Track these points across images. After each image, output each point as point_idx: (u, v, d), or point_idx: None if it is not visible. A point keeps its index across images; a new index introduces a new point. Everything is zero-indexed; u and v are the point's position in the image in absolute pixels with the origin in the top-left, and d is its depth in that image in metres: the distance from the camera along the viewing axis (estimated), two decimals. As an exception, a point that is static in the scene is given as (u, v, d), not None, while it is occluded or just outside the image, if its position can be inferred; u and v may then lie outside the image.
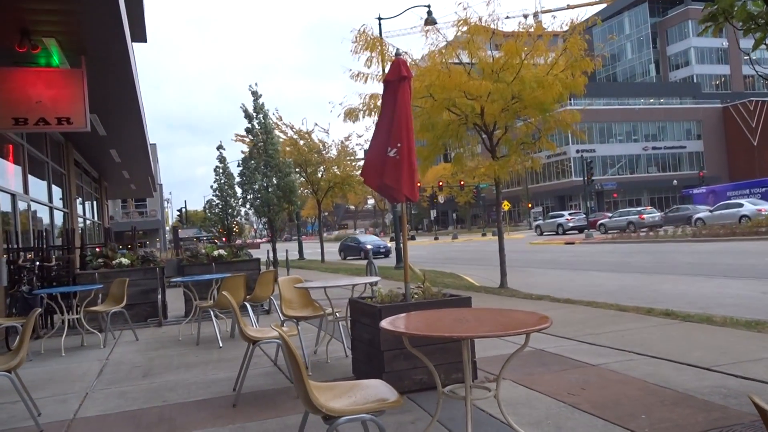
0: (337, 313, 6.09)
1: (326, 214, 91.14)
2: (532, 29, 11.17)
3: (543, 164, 58.07)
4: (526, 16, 12.00)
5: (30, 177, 11.52)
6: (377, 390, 2.94)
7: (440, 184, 50.18)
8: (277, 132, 24.56)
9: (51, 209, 13.47)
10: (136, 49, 11.07)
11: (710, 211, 32.34)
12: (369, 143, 4.72)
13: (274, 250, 20.72)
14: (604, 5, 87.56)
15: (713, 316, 7.18)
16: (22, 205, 10.72)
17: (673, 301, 9.10)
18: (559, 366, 5.27)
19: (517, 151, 11.78)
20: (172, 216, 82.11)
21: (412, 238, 57.01)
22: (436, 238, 54.04)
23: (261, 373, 5.65)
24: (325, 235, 43.44)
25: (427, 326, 3.11)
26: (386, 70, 11.98)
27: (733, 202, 32.67)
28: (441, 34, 11.92)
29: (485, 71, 11.03)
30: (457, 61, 11.50)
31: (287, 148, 26.72)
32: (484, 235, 52.41)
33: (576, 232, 40.29)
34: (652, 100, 72.07)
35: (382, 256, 30.38)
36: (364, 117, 11.99)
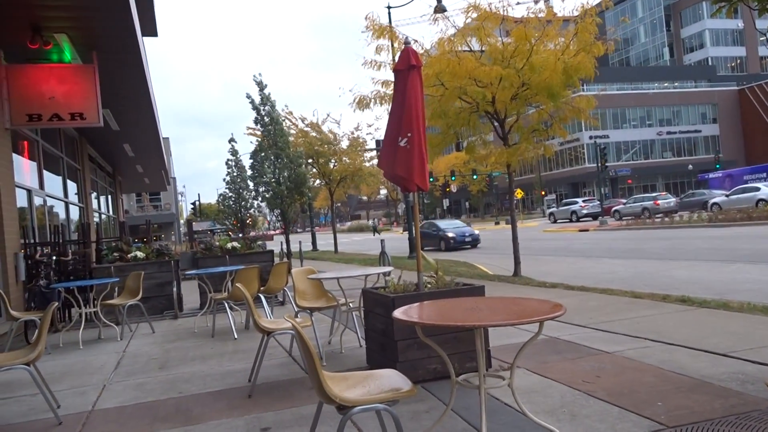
0: (350, 304, 6.11)
1: (339, 204, 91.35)
2: (541, 14, 11.04)
3: (556, 151, 57.66)
4: (536, 1, 11.82)
5: (45, 172, 11.65)
6: (391, 380, 2.95)
7: (452, 172, 50.01)
8: (287, 123, 24.59)
9: (66, 204, 13.62)
10: (146, 43, 11.10)
11: (726, 196, 31.94)
12: (384, 133, 4.71)
13: (288, 242, 20.81)
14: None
15: (730, 301, 7.10)
16: (38, 201, 10.84)
17: (688, 287, 9.02)
18: (573, 354, 5.24)
19: (529, 138, 11.69)
20: (186, 209, 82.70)
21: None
22: (449, 227, 53.85)
23: (276, 363, 5.69)
24: (337, 225, 43.53)
25: (440, 315, 3.10)
26: (395, 58, 11.99)
27: (749, 186, 32.21)
28: (450, 21, 11.85)
29: (495, 58, 10.94)
30: (467, 48, 11.41)
31: (299, 140, 26.75)
32: (497, 223, 52.20)
33: (590, 219, 40.01)
34: (666, 84, 71.07)
35: (468, 246, 24.69)
36: (374, 105, 11.96)
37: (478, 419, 3.67)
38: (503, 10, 11.17)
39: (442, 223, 27.46)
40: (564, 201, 49.27)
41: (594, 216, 39.40)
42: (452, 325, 2.95)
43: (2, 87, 8.71)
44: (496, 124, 11.71)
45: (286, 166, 20.67)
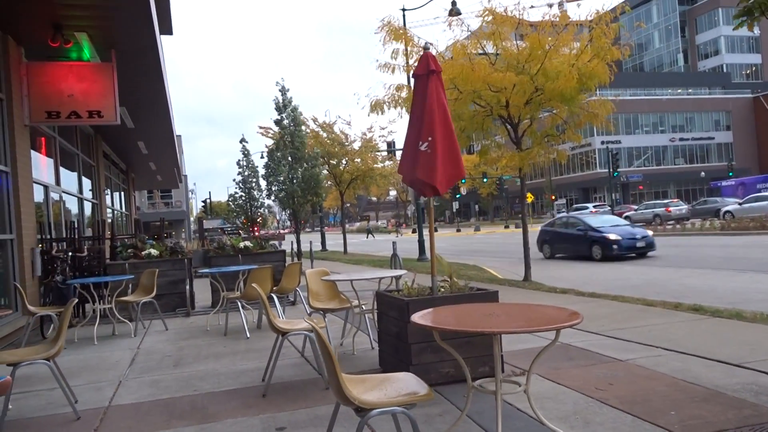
0: (363, 306, 6.15)
1: (348, 205, 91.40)
2: (556, 19, 11.04)
3: (568, 155, 57.45)
4: (551, 5, 11.83)
5: (61, 169, 11.78)
6: (408, 383, 2.98)
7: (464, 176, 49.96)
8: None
9: (81, 200, 13.76)
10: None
11: (739, 204, 31.72)
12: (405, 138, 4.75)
13: (299, 242, 20.86)
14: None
15: (743, 311, 7.07)
16: (54, 197, 10.98)
17: (701, 296, 8.98)
18: (585, 361, 5.25)
19: (542, 143, 11.68)
20: (196, 207, 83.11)
21: (435, 230, 56.91)
22: (458, 230, 53.90)
23: (289, 364, 5.74)
24: (347, 226, 43.60)
25: (457, 321, 3.14)
26: (410, 61, 12.03)
27: (763, 195, 31.95)
28: (465, 25, 11.85)
29: (509, 63, 10.94)
30: (481, 51, 11.42)
31: (310, 140, 26.97)
32: (507, 227, 52.11)
33: (600, 224, 39.75)
34: (679, 90, 70.64)
35: (637, 254, 16.96)
36: (389, 109, 11.98)
37: (491, 423, 3.70)
38: (519, 14, 11.18)
39: (592, 219, 19.08)
40: (574, 206, 49.17)
41: (604, 221, 39.16)
42: (470, 331, 2.98)
43: (22, 84, 8.83)
44: (509, 127, 11.71)
45: (301, 165, 21.01)
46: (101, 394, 5.05)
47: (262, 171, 22.92)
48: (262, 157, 22.72)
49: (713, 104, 69.12)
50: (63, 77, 9.16)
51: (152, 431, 4.04)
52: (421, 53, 5.25)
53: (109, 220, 17.30)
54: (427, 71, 4.63)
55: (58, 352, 4.36)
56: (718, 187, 48.81)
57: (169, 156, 19.63)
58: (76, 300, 5.76)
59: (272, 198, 23.05)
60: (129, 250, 9.98)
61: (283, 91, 22.24)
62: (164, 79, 11.34)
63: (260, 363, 5.74)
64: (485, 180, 52.71)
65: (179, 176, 27.31)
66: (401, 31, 11.45)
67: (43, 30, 8.34)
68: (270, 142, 23.85)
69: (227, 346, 6.94)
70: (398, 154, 40.41)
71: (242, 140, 24.74)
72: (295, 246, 22.41)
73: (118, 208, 20.64)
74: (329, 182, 30.40)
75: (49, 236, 9.55)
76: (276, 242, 12.10)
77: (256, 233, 17.72)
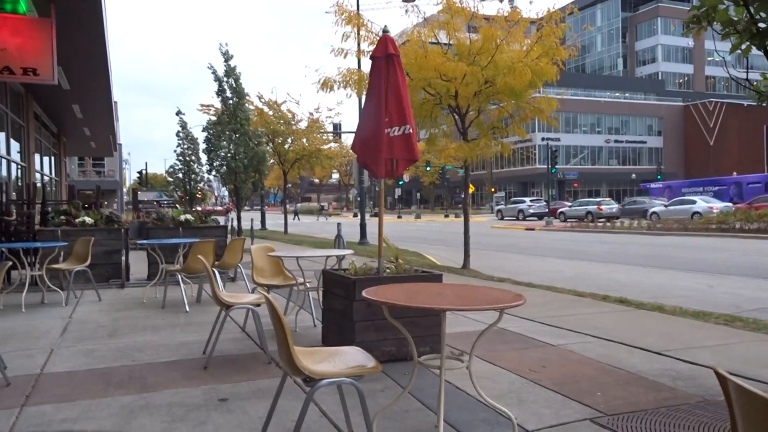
0: (308, 284, 6.17)
1: (290, 185, 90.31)
2: (507, 14, 11.28)
3: (511, 149, 58.79)
4: (501, 0, 12.05)
5: (-11, 128, 11.12)
6: (356, 356, 3.06)
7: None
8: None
9: (9, 162, 13.04)
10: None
11: (665, 206, 33.45)
12: (359, 119, 4.78)
13: (239, 219, 20.51)
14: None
15: (664, 305, 7.55)
16: (-20, 157, 10.36)
17: (627, 290, 9.49)
18: (520, 344, 5.49)
19: (488, 135, 11.95)
20: (130, 177, 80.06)
21: (375, 215, 57.21)
22: (399, 217, 54.41)
23: (230, 338, 5.70)
24: (288, 207, 43.12)
25: (408, 298, 3.23)
26: (362, 46, 12.00)
27: (687, 199, 33.84)
28: (421, 13, 11.91)
29: (461, 53, 11.11)
30: (435, 40, 11.53)
31: (255, 118, 26.32)
32: (446, 216, 53.01)
33: (536, 218, 41.17)
34: (617, 94, 73.58)
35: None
36: (339, 88, 11.92)
37: (431, 400, 3.85)
38: (473, 7, 11.35)
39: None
40: (512, 199, 50.51)
41: (540, 216, 40.55)
42: (423, 307, 3.07)
43: (-49, 33, 8.25)
44: (457, 117, 11.91)
45: (243, 142, 20.29)
46: (32, 361, 4.88)
47: (203, 145, 22.10)
48: (203, 131, 21.84)
49: (647, 110, 72.46)
50: (-4, 29, 8.61)
51: (89, 399, 3.95)
52: (376, 39, 5.31)
53: (39, 185, 16.46)
54: (385, 54, 4.67)
55: (-12, 317, 4.18)
56: (647, 188, 51.26)
57: (105, 122, 18.81)
58: (10, 263, 5.50)
59: (213, 173, 22.39)
60: (62, 217, 9.57)
61: (227, 56, 20.24)
62: (106, 41, 10.85)
63: (200, 336, 5.68)
64: (428, 168, 53.26)
65: (114, 144, 26.19)
66: (353, 15, 11.37)
67: (-24, -23, 7.82)
68: (213, 120, 23.05)
69: (165, 318, 6.82)
70: (344, 136, 40.11)
71: (178, 113, 23.99)
72: (235, 223, 22.02)
73: (48, 173, 19.65)
74: (272, 161, 29.87)
75: (-27, 198, 9.04)
76: (218, 218, 11.87)
77: (200, 210, 17.25)
